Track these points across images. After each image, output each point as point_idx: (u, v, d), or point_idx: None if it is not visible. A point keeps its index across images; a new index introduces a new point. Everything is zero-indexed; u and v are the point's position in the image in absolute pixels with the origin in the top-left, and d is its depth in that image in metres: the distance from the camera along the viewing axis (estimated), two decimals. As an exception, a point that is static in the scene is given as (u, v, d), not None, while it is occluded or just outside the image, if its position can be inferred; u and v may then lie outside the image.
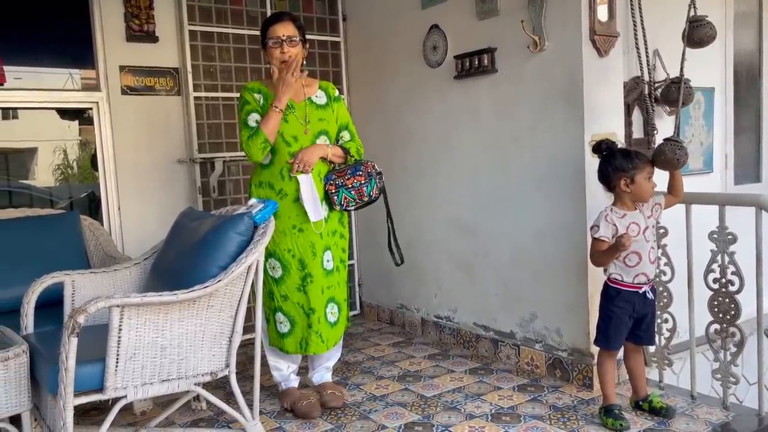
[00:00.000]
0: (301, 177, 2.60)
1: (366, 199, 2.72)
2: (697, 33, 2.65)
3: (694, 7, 2.64)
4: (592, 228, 2.52)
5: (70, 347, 1.91)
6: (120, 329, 2.01)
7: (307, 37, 2.74)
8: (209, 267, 2.24)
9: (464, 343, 3.61)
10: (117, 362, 2.02)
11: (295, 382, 2.89)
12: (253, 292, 2.38)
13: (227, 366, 2.32)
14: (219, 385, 2.93)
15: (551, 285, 3.10)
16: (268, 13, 3.84)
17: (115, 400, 2.07)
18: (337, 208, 2.69)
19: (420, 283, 3.92)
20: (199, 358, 2.22)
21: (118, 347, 2.01)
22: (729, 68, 4.15)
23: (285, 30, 2.62)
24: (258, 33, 2.79)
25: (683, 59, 2.68)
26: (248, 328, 2.54)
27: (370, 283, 4.36)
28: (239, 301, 2.31)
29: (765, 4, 4.41)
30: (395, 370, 3.29)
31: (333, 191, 2.65)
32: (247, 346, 3.27)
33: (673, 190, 2.58)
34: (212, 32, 3.74)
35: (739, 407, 2.79)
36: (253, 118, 2.62)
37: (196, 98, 3.68)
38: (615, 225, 2.47)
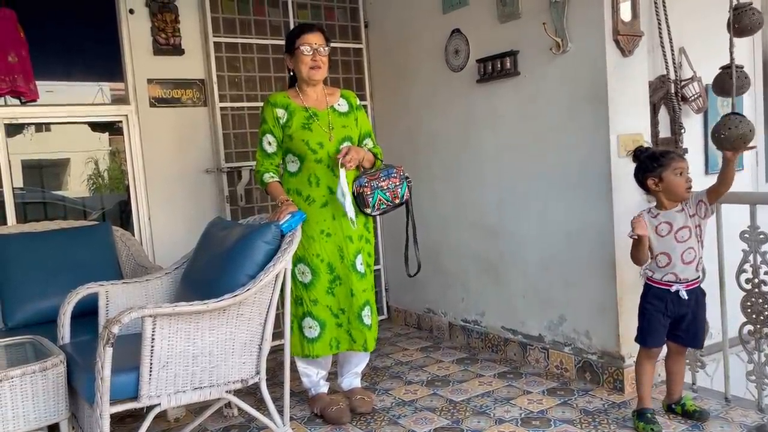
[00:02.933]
0: (342, 171, 2.61)
1: (398, 201, 2.77)
2: (743, 20, 2.57)
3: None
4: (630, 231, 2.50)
5: (106, 357, 1.96)
6: (153, 338, 2.05)
7: (331, 45, 2.80)
8: (238, 276, 2.28)
9: (492, 347, 3.60)
10: (150, 371, 2.06)
11: (324, 387, 2.92)
12: (281, 301, 2.41)
13: (257, 373, 2.35)
14: (250, 392, 2.98)
15: (579, 287, 3.08)
16: (291, 23, 3.90)
17: (150, 408, 2.12)
18: (369, 210, 2.71)
19: (447, 286, 3.92)
20: (230, 366, 2.26)
21: (152, 356, 2.06)
22: (758, 61, 4.07)
23: (317, 39, 2.70)
24: (282, 42, 2.83)
25: (732, 45, 2.59)
26: (277, 334, 2.57)
27: (396, 287, 4.38)
28: (268, 308, 2.34)
29: (794, -3, 4.31)
30: (423, 375, 3.30)
31: (368, 193, 2.68)
32: (276, 353, 3.30)
33: (724, 180, 2.39)
34: (236, 43, 3.80)
35: (775, 409, 2.73)
36: (267, 140, 2.72)
37: (222, 108, 3.73)
38: (645, 224, 2.45)
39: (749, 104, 4.00)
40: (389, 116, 4.23)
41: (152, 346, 2.05)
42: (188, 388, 2.16)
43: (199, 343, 2.16)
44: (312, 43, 2.67)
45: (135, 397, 2.07)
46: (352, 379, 2.95)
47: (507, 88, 3.33)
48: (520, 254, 3.39)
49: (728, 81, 2.71)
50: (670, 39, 3.16)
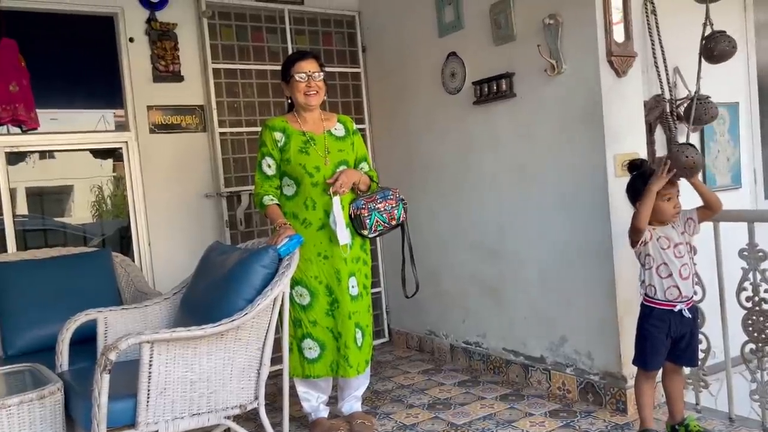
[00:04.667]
0: (335, 198, 2.64)
1: (394, 222, 2.79)
2: (715, 48, 2.63)
3: (710, 24, 2.63)
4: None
5: (103, 384, 1.95)
6: (150, 365, 2.05)
7: (328, 69, 2.85)
8: (236, 300, 2.28)
9: (494, 368, 3.57)
10: (148, 397, 2.05)
11: (324, 412, 2.90)
12: (280, 323, 2.41)
13: (256, 398, 2.34)
14: (250, 417, 2.95)
15: (580, 307, 3.07)
16: (290, 48, 3.94)
17: (147, 436, 2.10)
18: (366, 232, 2.72)
19: (447, 308, 3.90)
20: (228, 392, 2.25)
21: (149, 382, 2.05)
22: (753, 81, 4.10)
23: (311, 66, 2.74)
24: (279, 68, 2.87)
25: (699, 77, 2.66)
26: (277, 359, 2.56)
27: (397, 310, 4.36)
28: (266, 333, 2.34)
29: (787, 15, 4.36)
30: (425, 398, 3.27)
31: (366, 215, 2.70)
32: (276, 377, 3.28)
33: (704, 202, 2.47)
34: (235, 69, 3.84)
35: (780, 429, 2.70)
36: (266, 163, 2.75)
37: (221, 134, 3.76)
38: (650, 233, 2.45)
39: (745, 123, 4.02)
40: (388, 139, 4.26)
41: (150, 372, 2.05)
42: (186, 414, 2.15)
43: (197, 368, 2.16)
44: (306, 71, 2.71)
45: (132, 425, 2.06)
46: (352, 404, 2.93)
47: (503, 109, 3.35)
48: (520, 274, 3.38)
49: (699, 110, 2.77)
50: (664, 59, 3.19)
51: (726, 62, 3.27)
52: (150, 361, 2.04)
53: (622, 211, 2.85)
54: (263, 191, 2.74)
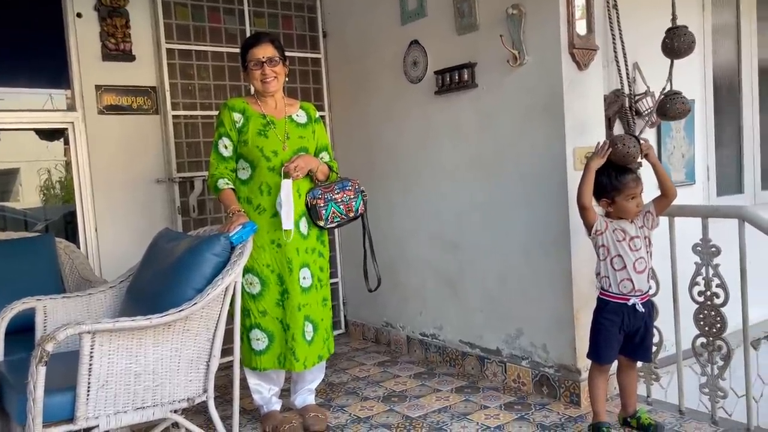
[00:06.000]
0: (286, 181, 2.56)
1: (352, 215, 2.72)
2: (675, 43, 2.65)
3: (675, 19, 2.64)
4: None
5: (38, 376, 1.84)
6: (91, 356, 1.94)
7: (288, 54, 2.74)
8: (185, 289, 2.18)
9: (450, 361, 3.55)
10: (88, 391, 1.95)
11: (277, 405, 2.82)
12: (230, 315, 2.32)
13: (205, 391, 2.25)
14: (199, 411, 2.86)
15: (537, 300, 3.06)
16: (248, 31, 3.82)
17: (87, 430, 2.00)
18: (322, 223, 2.65)
19: (405, 300, 3.87)
20: (175, 384, 2.15)
21: (90, 375, 1.94)
22: (709, 80, 4.16)
23: (265, 52, 2.63)
24: (237, 50, 2.76)
25: (671, 73, 2.67)
26: (229, 350, 2.47)
27: (354, 301, 4.31)
28: (216, 323, 2.25)
29: (742, 15, 4.44)
30: (380, 391, 3.23)
31: (322, 205, 2.63)
32: (228, 369, 3.19)
33: (661, 189, 2.50)
34: (190, 50, 3.70)
35: (728, 421, 2.75)
36: (223, 143, 2.64)
37: (174, 117, 3.63)
38: (606, 224, 2.47)
39: (700, 120, 4.08)
40: (348, 127, 4.18)
41: (90, 364, 1.94)
42: (130, 408, 2.05)
43: (142, 360, 2.06)
44: (260, 57, 2.61)
45: (71, 419, 1.94)
46: (305, 396, 2.87)
47: (465, 100, 3.32)
48: (478, 267, 3.36)
49: (668, 106, 2.80)
50: (624, 54, 3.19)
51: (684, 60, 3.30)
52: (91, 352, 1.93)
53: (580, 204, 2.85)
54: (218, 173, 2.63)
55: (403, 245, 3.82)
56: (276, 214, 2.61)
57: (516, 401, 3.00)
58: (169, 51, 3.61)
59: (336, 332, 4.29)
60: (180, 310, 2.07)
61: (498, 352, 3.29)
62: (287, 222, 2.57)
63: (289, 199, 2.56)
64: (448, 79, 3.34)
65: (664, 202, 2.52)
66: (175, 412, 2.19)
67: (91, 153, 3.45)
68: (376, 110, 3.92)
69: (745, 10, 4.45)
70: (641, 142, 2.49)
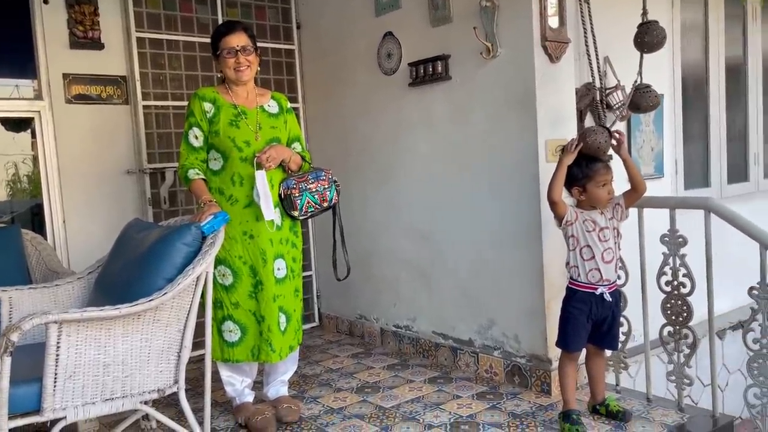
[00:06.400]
0: (259, 172, 2.54)
1: (326, 204, 2.71)
2: (647, 37, 2.69)
3: (646, 13, 2.68)
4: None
5: (3, 367, 1.80)
6: (58, 347, 1.90)
7: (261, 45, 2.73)
8: (155, 279, 2.15)
9: (423, 352, 3.57)
10: (55, 382, 1.91)
11: (249, 396, 2.81)
12: (202, 305, 2.30)
13: (176, 382, 2.23)
14: (171, 403, 2.84)
15: (508, 291, 3.09)
16: (220, 21, 3.78)
17: (54, 422, 1.96)
18: (296, 213, 2.64)
19: (379, 292, 3.87)
20: (146, 375, 2.13)
21: (56, 366, 1.91)
22: (677, 76, 4.24)
23: (239, 40, 2.60)
24: (209, 40, 2.73)
25: (641, 65, 2.71)
26: (201, 343, 2.45)
27: (328, 294, 4.30)
28: (188, 314, 2.22)
29: (710, 13, 4.53)
30: (354, 382, 3.23)
31: (297, 195, 2.61)
32: (201, 362, 3.17)
33: (631, 183, 2.53)
34: (161, 39, 3.65)
35: (693, 408, 2.82)
36: (193, 134, 2.61)
37: (145, 107, 3.57)
38: (576, 214, 2.50)
39: (669, 115, 4.16)
40: (322, 119, 4.16)
41: (57, 355, 1.90)
42: (98, 399, 2.02)
43: (111, 351, 2.03)
44: (234, 45, 2.58)
45: (37, 411, 1.91)
46: (278, 388, 2.86)
47: (439, 92, 3.33)
48: (451, 259, 3.38)
49: (640, 98, 2.85)
50: (596, 48, 3.24)
51: (654, 56, 3.36)
52: (57, 343, 1.90)
53: (552, 196, 2.89)
54: (188, 164, 2.60)
55: (377, 238, 3.82)
56: (249, 205, 2.59)
57: (488, 391, 3.03)
58: (140, 40, 3.55)
59: (310, 325, 4.29)
60: (150, 300, 2.04)
61: (470, 342, 3.32)
62: (268, 212, 2.55)
63: (265, 189, 2.55)
64: (422, 71, 3.35)
65: (633, 196, 2.57)
66: (146, 403, 2.16)
67: (59, 143, 3.38)
68: (350, 102, 3.91)
69: (713, 7, 4.54)
70: (615, 134, 2.53)
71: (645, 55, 3.26)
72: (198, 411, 2.49)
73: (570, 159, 2.48)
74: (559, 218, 2.53)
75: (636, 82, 3.01)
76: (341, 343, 3.96)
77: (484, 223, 3.17)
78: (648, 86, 3.23)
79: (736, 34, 4.84)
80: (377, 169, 3.77)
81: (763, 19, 5.03)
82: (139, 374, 2.10)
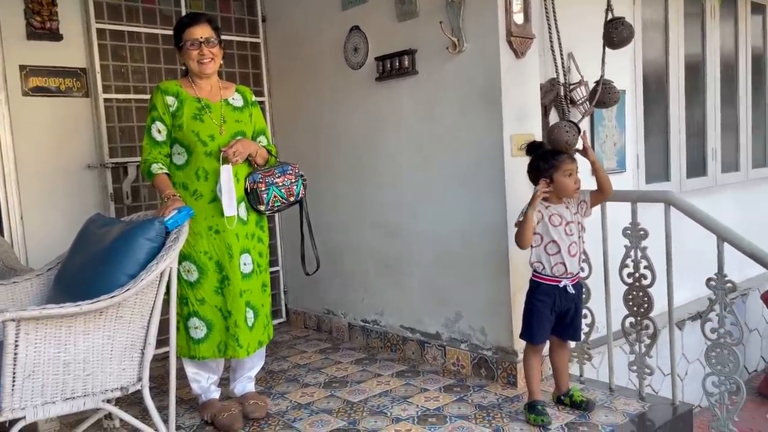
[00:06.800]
0: (224, 167, 2.51)
1: (293, 199, 2.69)
2: (615, 34, 2.73)
3: (612, 10, 2.72)
4: (518, 216, 2.56)
5: (-42, 367, 1.75)
6: (16, 345, 1.85)
7: (226, 38, 2.68)
8: (117, 275, 2.11)
9: (391, 346, 3.58)
10: (14, 381, 1.86)
11: (215, 393, 2.78)
12: (166, 301, 2.26)
13: (140, 380, 2.19)
14: (135, 401, 2.79)
15: (475, 284, 3.12)
16: (183, 13, 3.71)
17: (13, 422, 1.91)
18: (262, 207, 2.62)
19: (347, 287, 3.86)
20: (108, 374, 2.08)
21: (15, 365, 1.86)
22: (639, 72, 4.33)
23: (203, 32, 2.56)
24: (171, 32, 2.68)
25: (603, 61, 2.75)
26: (166, 341, 2.41)
27: (296, 289, 4.27)
28: (151, 310, 2.19)
29: (670, 11, 4.63)
30: (321, 377, 3.23)
31: (263, 189, 2.59)
32: (167, 359, 3.12)
33: (598, 185, 2.58)
34: (123, 31, 3.57)
35: (654, 397, 2.89)
36: (156, 128, 2.57)
37: (106, 100, 3.49)
38: (541, 212, 2.52)
39: (630, 110, 4.24)
40: (289, 113, 4.13)
41: (16, 354, 1.86)
42: (59, 398, 1.97)
43: (71, 349, 1.98)
44: (198, 37, 2.54)
45: (-5, 411, 1.86)
46: (245, 384, 2.83)
47: (406, 86, 3.33)
48: (418, 253, 3.40)
49: (605, 94, 2.90)
50: (560, 44, 3.28)
51: (616, 52, 3.42)
52: (16, 341, 1.85)
53: (517, 190, 2.92)
54: (151, 158, 2.55)
55: (345, 232, 3.81)
56: (214, 200, 2.55)
57: (455, 383, 3.05)
58: (100, 31, 3.46)
59: (277, 321, 4.26)
60: (112, 296, 2.00)
61: (438, 336, 3.34)
62: (230, 209, 2.53)
63: (230, 184, 2.52)
64: (388, 65, 3.35)
65: (599, 197, 2.62)
66: (108, 401, 2.13)
67: (16, 137, 3.28)
68: (317, 96, 3.89)
69: (673, 5, 4.64)
70: (581, 131, 2.56)
71: (608, 52, 3.32)
72: (163, 409, 2.46)
73: (535, 209, 2.48)
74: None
75: (601, 77, 3.05)
76: (309, 339, 3.95)
77: (452, 217, 3.19)
78: (611, 81, 3.28)
79: (695, 32, 4.96)
80: (346, 164, 3.76)
81: (721, 17, 5.16)
82: (101, 372, 2.06)
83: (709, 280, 2.59)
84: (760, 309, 5.23)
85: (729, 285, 2.54)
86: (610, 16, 2.72)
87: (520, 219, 2.54)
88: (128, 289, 2.04)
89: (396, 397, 2.91)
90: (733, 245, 2.51)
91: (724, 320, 2.57)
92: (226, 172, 2.51)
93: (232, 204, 2.54)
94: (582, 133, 2.58)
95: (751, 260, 2.51)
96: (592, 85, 3.40)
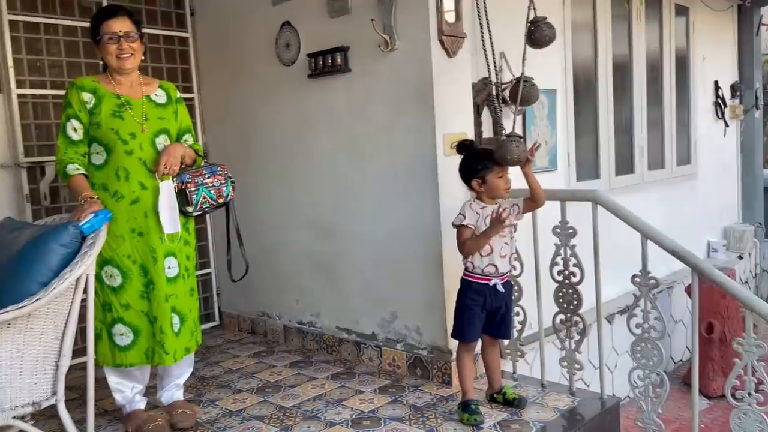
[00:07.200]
0: (163, 183, 2.44)
1: (222, 200, 2.61)
2: (537, 33, 2.76)
3: (534, 9, 2.75)
4: (456, 218, 2.54)
5: None
6: None
7: (151, 32, 2.56)
8: (27, 284, 1.99)
9: (327, 348, 3.53)
10: None
11: (141, 403, 2.66)
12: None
13: (54, 393, 2.08)
14: (55, 414, 2.63)
15: (410, 284, 3.11)
16: (104, 5, 3.54)
17: None
18: (190, 209, 2.52)
19: (281, 289, 3.79)
20: (18, 388, 1.97)
21: None
22: (569, 72, 4.42)
23: (122, 25, 2.44)
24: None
25: (524, 58, 2.78)
26: (83, 350, 2.29)
27: (229, 291, 4.16)
28: (67, 320, 2.07)
29: (599, 13, 4.75)
30: (254, 382, 3.14)
31: (193, 189, 2.50)
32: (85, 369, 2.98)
33: (532, 195, 2.58)
34: (38, 23, 3.37)
35: (584, 392, 2.94)
36: (71, 126, 2.44)
37: (20, 96, 3.28)
38: (478, 214, 2.51)
39: (561, 109, 4.32)
40: (220, 110, 4.01)
41: None
42: (-39, 417, 1.84)
43: (-25, 364, 1.85)
44: (116, 31, 2.42)
45: None
46: (173, 392, 2.73)
47: (339, 84, 3.28)
48: (353, 253, 3.36)
49: (528, 91, 2.93)
50: (492, 43, 3.29)
51: (546, 52, 3.46)
52: None
53: (450, 190, 2.92)
54: (67, 158, 2.41)
55: (279, 232, 3.73)
56: (136, 201, 2.44)
57: (391, 384, 3.03)
58: (13, 23, 3.25)
59: (210, 324, 4.15)
60: (20, 307, 1.88)
61: (374, 336, 3.31)
62: (172, 225, 2.46)
63: (171, 200, 2.45)
64: (321, 62, 3.29)
65: (532, 206, 2.64)
66: (21, 418, 2.00)
67: None
68: (249, 93, 3.79)
69: (601, 7, 4.76)
70: (532, 146, 2.57)
71: (539, 52, 3.36)
72: (82, 422, 2.33)
73: (496, 232, 2.46)
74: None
75: (522, 74, 3.06)
76: (243, 343, 3.85)
77: (386, 217, 3.17)
78: (531, 78, 3.30)
79: (623, 33, 5.10)
80: (279, 163, 3.68)
81: (646, 18, 5.34)
82: (10, 388, 1.94)
83: (634, 276, 2.66)
84: (685, 301, 5.45)
85: (652, 281, 2.62)
86: (532, 16, 2.75)
87: (463, 223, 2.51)
88: (39, 299, 1.93)
89: (330, 401, 2.86)
90: (655, 242, 2.58)
91: (649, 315, 2.65)
92: (167, 188, 2.43)
93: (175, 220, 2.47)
94: (534, 145, 2.57)
95: (675, 256, 2.59)
96: (512, 82, 3.41)
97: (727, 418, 2.57)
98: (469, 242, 2.51)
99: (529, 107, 3.90)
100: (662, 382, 2.66)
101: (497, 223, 2.42)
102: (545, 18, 2.77)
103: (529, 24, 2.76)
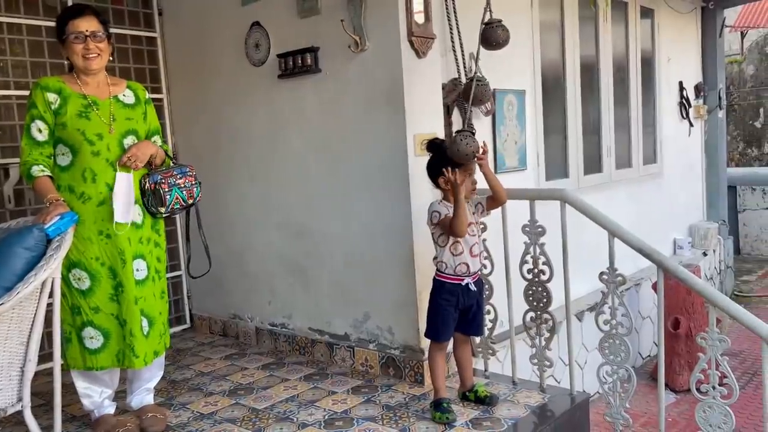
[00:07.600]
0: (122, 174, 2.40)
1: (191, 201, 2.60)
2: (491, 35, 2.81)
3: (490, 11, 2.79)
4: (432, 217, 2.54)
5: None
6: None
7: (118, 31, 2.53)
8: (-10, 289, 1.94)
9: (300, 349, 3.52)
10: None
11: (110, 408, 2.62)
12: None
13: (20, 400, 2.04)
14: (21, 421, 2.58)
15: (382, 284, 3.12)
16: (70, 4, 3.47)
17: None
18: (163, 210, 2.50)
19: (253, 290, 3.77)
20: (-18, 396, 1.92)
21: None
22: (537, 72, 4.47)
23: (88, 25, 2.41)
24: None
25: (477, 59, 2.82)
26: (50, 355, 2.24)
27: (200, 293, 4.12)
28: (32, 325, 2.03)
29: (566, 14, 4.81)
30: (226, 385, 3.12)
31: (166, 189, 2.48)
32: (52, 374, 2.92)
33: (493, 193, 2.59)
34: (1, 23, 3.30)
35: (554, 388, 2.98)
36: (36, 127, 2.39)
37: (-17, 96, 3.23)
38: (448, 214, 2.52)
39: (530, 110, 4.38)
40: (189, 111, 3.97)
41: None
42: None
43: (-64, 371, 1.81)
44: (83, 30, 2.39)
45: None
46: (143, 396, 2.69)
47: (309, 85, 3.27)
48: (325, 254, 3.35)
49: (481, 91, 2.98)
50: (461, 44, 3.33)
51: (514, 53, 3.51)
52: None
53: (421, 190, 2.94)
54: (32, 160, 2.37)
55: (250, 233, 3.71)
56: (103, 203, 2.41)
57: (363, 384, 3.04)
58: (-26, 22, 3.20)
59: (180, 327, 4.11)
60: (-17, 312, 1.84)
61: (346, 337, 3.31)
62: (125, 215, 2.40)
63: (128, 191, 2.41)
64: (291, 62, 3.28)
65: (494, 204, 2.66)
66: (-16, 426, 1.96)
67: None
68: (219, 93, 3.76)
69: (568, 9, 4.83)
70: (481, 143, 2.58)
71: (508, 53, 3.40)
72: (48, 429, 2.29)
73: (463, 193, 2.45)
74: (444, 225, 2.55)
75: (474, 74, 3.10)
76: (214, 345, 3.82)
77: (358, 217, 3.17)
78: (484, 78, 3.34)
79: (590, 35, 5.18)
80: (250, 163, 3.65)
81: (612, 20, 5.43)
82: (-27, 395, 1.89)
83: (601, 274, 2.71)
84: (652, 298, 5.56)
85: (619, 278, 2.67)
86: (488, 18, 2.80)
87: (443, 216, 2.51)
88: (2, 303, 1.89)
89: (303, 402, 2.86)
90: (622, 240, 2.63)
91: (616, 312, 2.70)
92: (125, 180, 2.39)
93: (128, 211, 2.42)
94: (483, 145, 2.58)
95: (642, 253, 2.64)
96: (465, 81, 3.44)
97: (693, 412, 2.63)
98: (453, 222, 2.47)
99: (498, 108, 3.95)
100: (630, 377, 2.72)
101: (458, 186, 2.40)
102: (500, 21, 2.82)
103: (483, 25, 2.81)
